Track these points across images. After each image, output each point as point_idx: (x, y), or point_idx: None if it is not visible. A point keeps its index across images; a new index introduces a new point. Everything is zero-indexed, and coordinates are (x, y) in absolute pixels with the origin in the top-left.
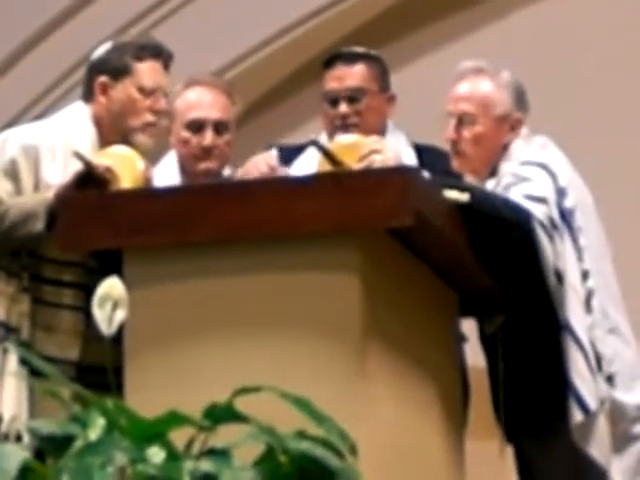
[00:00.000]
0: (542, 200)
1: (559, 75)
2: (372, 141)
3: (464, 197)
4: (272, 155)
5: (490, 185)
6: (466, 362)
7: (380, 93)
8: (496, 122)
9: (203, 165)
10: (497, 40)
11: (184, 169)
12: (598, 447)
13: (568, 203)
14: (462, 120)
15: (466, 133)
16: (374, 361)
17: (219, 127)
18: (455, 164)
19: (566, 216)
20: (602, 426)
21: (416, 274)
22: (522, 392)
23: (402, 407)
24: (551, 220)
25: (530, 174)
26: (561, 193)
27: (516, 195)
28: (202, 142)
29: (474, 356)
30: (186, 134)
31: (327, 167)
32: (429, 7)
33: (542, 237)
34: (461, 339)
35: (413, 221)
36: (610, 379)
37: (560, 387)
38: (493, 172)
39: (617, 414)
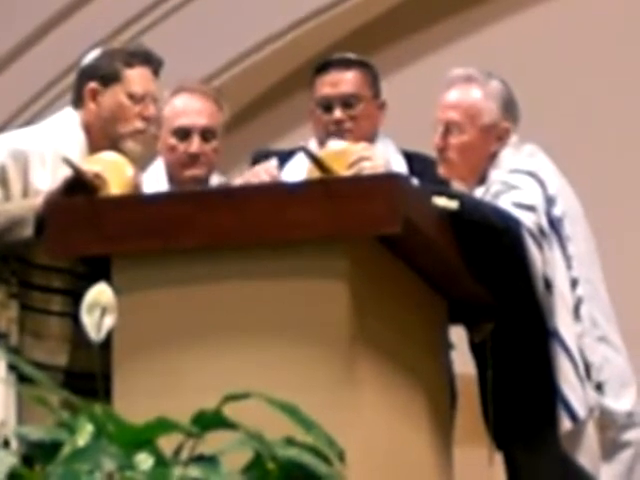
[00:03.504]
0: (531, 208)
1: (548, 83)
2: (361, 148)
3: (453, 204)
4: (273, 165)
5: (479, 193)
6: (453, 369)
7: (373, 100)
8: (483, 131)
9: (190, 172)
10: (487, 47)
11: (171, 176)
12: (587, 455)
13: (557, 211)
14: (449, 128)
15: (453, 141)
16: (362, 368)
17: (206, 134)
18: (442, 171)
19: (555, 224)
20: (591, 434)
21: (405, 281)
22: (511, 400)
23: (390, 414)
24: (540, 228)
25: (519, 182)
26: (550, 201)
27: (505, 203)
28: (189, 149)
29: (463, 363)
30: (173, 141)
31: (316, 174)
32: (418, 15)
33: (531, 245)
34: (449, 346)
35: (402, 228)
36: (599, 387)
37: (549, 395)
38: (482, 180)
39: (606, 421)
